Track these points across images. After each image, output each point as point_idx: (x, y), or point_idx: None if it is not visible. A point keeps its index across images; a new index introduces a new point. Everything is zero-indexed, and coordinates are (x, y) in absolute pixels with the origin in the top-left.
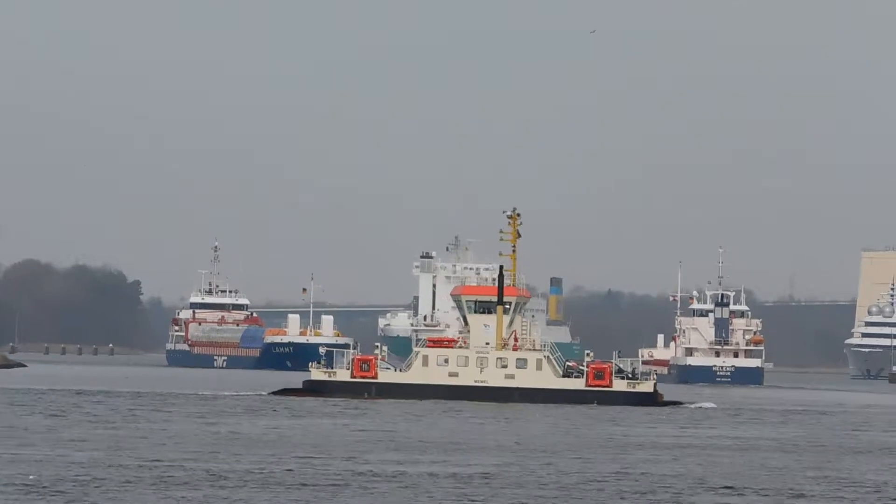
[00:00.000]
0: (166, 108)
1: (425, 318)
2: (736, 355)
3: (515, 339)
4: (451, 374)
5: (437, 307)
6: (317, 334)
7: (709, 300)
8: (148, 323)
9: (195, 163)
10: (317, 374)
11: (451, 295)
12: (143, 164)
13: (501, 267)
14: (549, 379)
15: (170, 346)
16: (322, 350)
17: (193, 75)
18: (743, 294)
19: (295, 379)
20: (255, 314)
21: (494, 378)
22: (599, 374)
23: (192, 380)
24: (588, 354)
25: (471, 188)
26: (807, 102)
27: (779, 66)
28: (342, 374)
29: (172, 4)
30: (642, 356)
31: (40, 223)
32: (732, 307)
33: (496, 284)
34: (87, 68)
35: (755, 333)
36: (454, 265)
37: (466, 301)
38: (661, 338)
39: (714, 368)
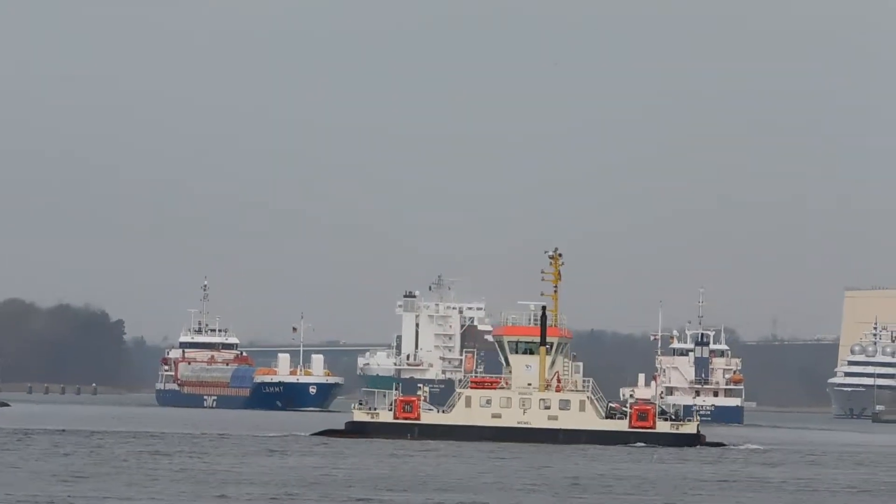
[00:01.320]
0: (149, 143)
1: (408, 357)
2: (716, 394)
3: (558, 380)
4: (495, 416)
5: (419, 346)
6: (307, 373)
7: (689, 339)
8: (131, 362)
9: (179, 199)
10: (359, 415)
11: (493, 335)
12: (127, 201)
13: (544, 307)
14: (592, 420)
15: (160, 385)
16: (312, 390)
17: (176, 108)
18: (723, 333)
19: (287, 419)
20: (244, 353)
21: (538, 419)
22: (643, 416)
23: (222, 421)
24: (631, 395)
25: (453, 228)
26: (793, 142)
27: (767, 107)
28: (385, 416)
29: (157, 36)
30: (623, 395)
31: (23, 262)
32: (712, 346)
33: (537, 325)
34: (67, 102)
35: (735, 372)
36: (437, 304)
37: (508, 341)
38: (642, 377)
39: (694, 408)
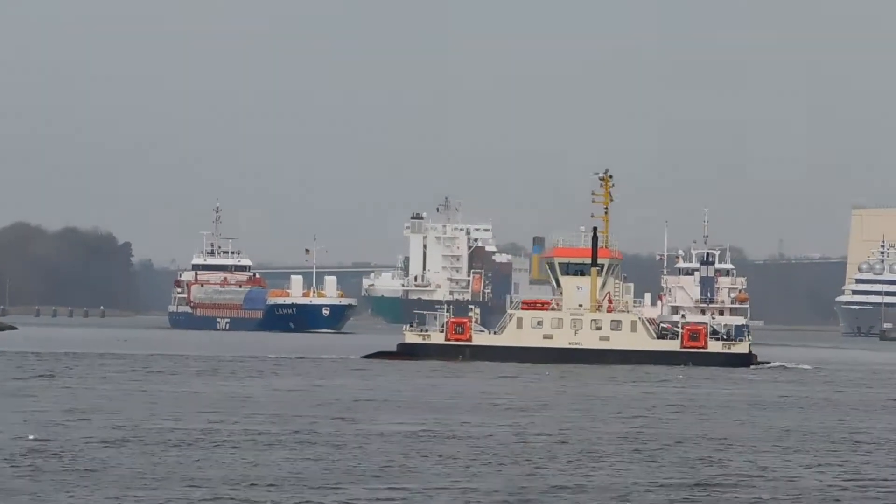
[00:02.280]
0: (164, 75)
1: (416, 278)
2: (721, 313)
3: (609, 301)
4: (546, 337)
5: (427, 267)
6: (320, 295)
7: (694, 259)
8: (139, 285)
9: (186, 126)
10: (411, 336)
11: (543, 257)
12: (137, 127)
13: (595, 228)
14: (643, 341)
15: (172, 308)
16: (325, 311)
17: (181, 40)
18: (728, 253)
19: (300, 341)
20: (257, 275)
21: (589, 340)
22: (694, 336)
23: (263, 345)
24: (682, 316)
25: (459, 149)
26: (803, 61)
27: (776, 25)
28: (436, 337)
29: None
30: None
31: (29, 185)
32: (718, 266)
33: (589, 246)
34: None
35: (740, 291)
36: (444, 226)
37: (559, 263)
38: (647, 296)
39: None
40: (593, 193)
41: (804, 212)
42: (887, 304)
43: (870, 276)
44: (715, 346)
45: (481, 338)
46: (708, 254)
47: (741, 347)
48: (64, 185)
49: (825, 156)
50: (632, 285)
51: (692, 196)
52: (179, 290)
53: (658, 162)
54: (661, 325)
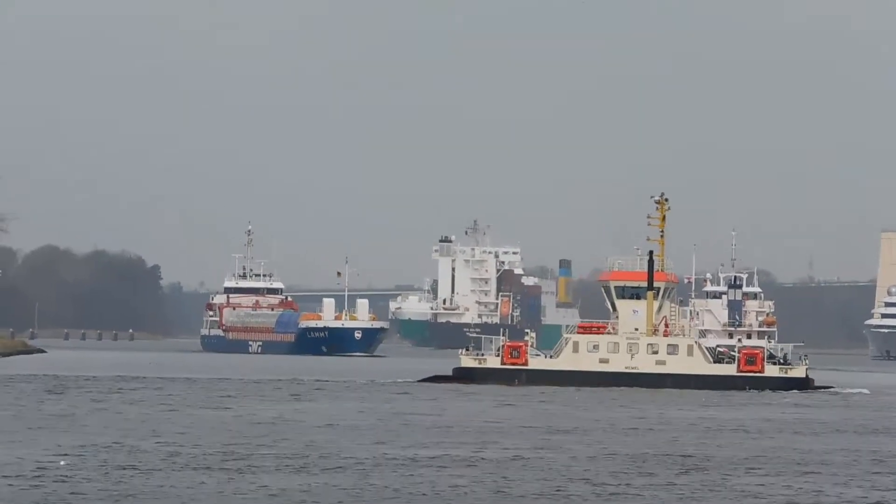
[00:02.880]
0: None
1: (444, 301)
2: (749, 336)
3: (666, 325)
4: (602, 361)
5: (456, 290)
6: (352, 318)
7: (722, 282)
8: (166, 308)
9: (213, 149)
10: (466, 361)
11: (599, 280)
12: (161, 149)
13: (651, 252)
14: (700, 365)
15: (204, 331)
16: (357, 335)
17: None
18: (756, 276)
19: (331, 364)
20: (289, 298)
21: (645, 364)
22: (751, 360)
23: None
24: (739, 340)
25: (487, 172)
26: (826, 82)
27: (799, 45)
28: (492, 361)
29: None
30: None
31: (58, 208)
32: (745, 289)
33: (645, 270)
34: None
35: (767, 315)
36: (473, 249)
37: (615, 286)
38: None
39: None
40: (649, 217)
41: (834, 235)
42: None
43: None
44: (772, 371)
45: (537, 362)
46: (736, 277)
47: (798, 371)
48: (92, 208)
49: (856, 178)
50: (688, 309)
51: (720, 218)
52: (211, 313)
53: (686, 183)
54: (718, 348)
